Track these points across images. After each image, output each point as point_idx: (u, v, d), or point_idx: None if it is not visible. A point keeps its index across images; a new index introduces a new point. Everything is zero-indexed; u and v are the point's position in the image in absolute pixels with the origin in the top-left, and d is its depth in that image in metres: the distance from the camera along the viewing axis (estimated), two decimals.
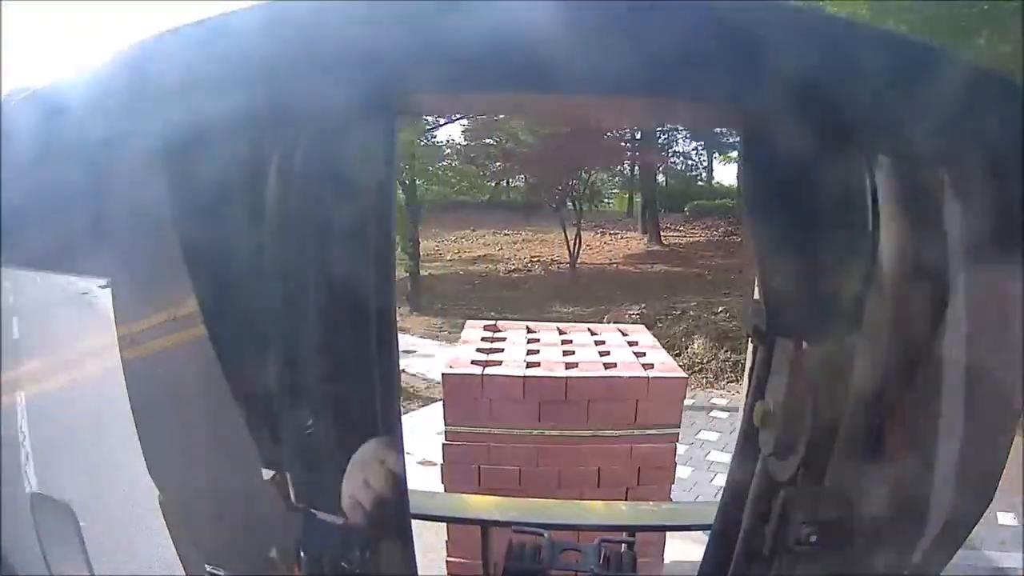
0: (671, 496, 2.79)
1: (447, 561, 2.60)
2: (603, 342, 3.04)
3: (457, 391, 2.54)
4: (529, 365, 2.63)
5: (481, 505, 1.36)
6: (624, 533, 1.32)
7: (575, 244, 12.25)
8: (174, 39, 0.67)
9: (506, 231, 15.62)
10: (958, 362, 0.73)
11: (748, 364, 0.98)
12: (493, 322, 3.27)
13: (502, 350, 2.82)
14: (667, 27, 0.62)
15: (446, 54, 0.62)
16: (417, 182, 11.89)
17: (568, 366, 2.66)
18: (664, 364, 2.74)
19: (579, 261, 12.43)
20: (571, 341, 3.01)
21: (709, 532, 1.00)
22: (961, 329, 0.71)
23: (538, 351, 2.83)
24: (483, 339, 2.99)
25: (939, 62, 0.71)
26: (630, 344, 3.00)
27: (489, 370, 2.55)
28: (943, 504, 0.76)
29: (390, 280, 0.81)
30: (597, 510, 1.39)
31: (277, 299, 0.73)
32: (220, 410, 0.77)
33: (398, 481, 0.83)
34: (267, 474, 0.79)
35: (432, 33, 0.62)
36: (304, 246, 0.72)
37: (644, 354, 2.87)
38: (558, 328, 3.28)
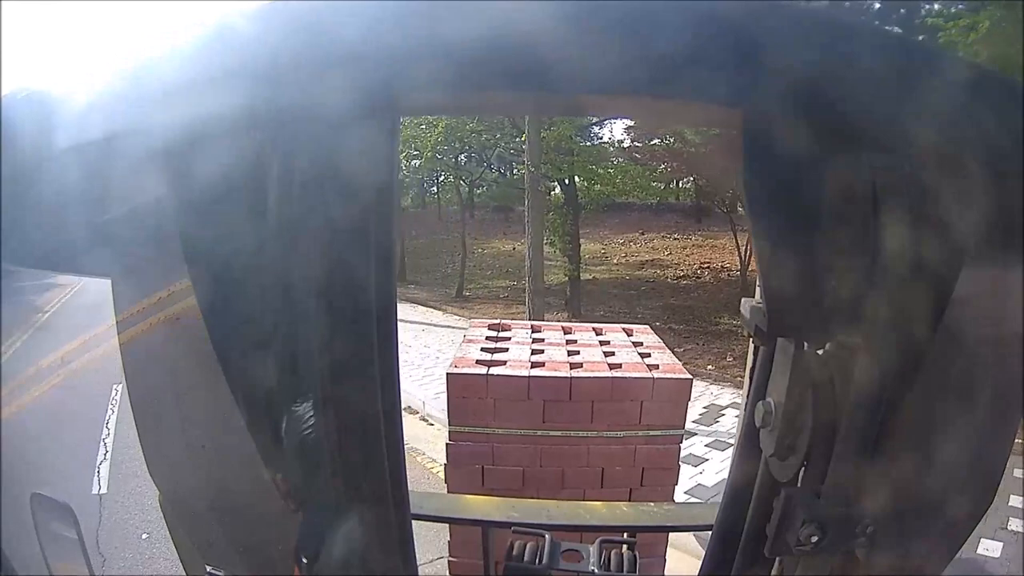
0: (674, 497, 2.78)
1: (448, 561, 2.61)
2: (608, 342, 3.03)
3: (461, 391, 2.54)
4: (534, 365, 2.63)
5: (482, 506, 1.37)
6: (625, 534, 1.32)
7: (746, 250, 11.50)
8: (176, 38, 0.68)
9: (676, 235, 15.24)
10: (959, 362, 0.73)
11: (749, 364, 0.98)
12: (498, 321, 3.27)
13: (507, 349, 2.82)
14: (667, 26, 0.62)
15: (447, 53, 0.62)
16: (577, 180, 11.37)
17: (573, 366, 2.65)
18: (669, 365, 2.73)
19: (750, 268, 11.65)
20: (576, 341, 3.01)
21: (713, 528, 1.00)
22: (962, 329, 0.71)
23: (543, 351, 2.83)
24: (488, 338, 2.99)
25: (939, 62, 0.71)
26: (635, 344, 2.99)
27: (494, 370, 2.55)
28: (944, 504, 0.76)
29: (391, 280, 0.81)
30: (598, 511, 1.39)
31: (278, 299, 0.73)
32: (220, 410, 0.77)
33: (398, 481, 0.83)
34: (267, 474, 0.79)
35: (433, 32, 0.62)
36: (306, 246, 0.71)
37: (649, 354, 2.87)
38: (563, 327, 3.27)
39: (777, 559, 0.87)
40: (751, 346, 0.96)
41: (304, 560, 0.80)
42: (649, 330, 3.33)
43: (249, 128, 0.66)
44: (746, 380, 1.02)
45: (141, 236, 0.72)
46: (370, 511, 0.82)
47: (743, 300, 0.90)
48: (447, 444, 2.62)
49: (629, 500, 2.69)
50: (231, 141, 0.67)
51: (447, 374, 2.54)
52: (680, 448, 2.72)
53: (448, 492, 2.67)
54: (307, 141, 0.67)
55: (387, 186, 0.75)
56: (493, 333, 3.06)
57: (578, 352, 2.83)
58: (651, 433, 2.65)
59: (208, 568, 0.87)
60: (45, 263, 0.84)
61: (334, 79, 0.63)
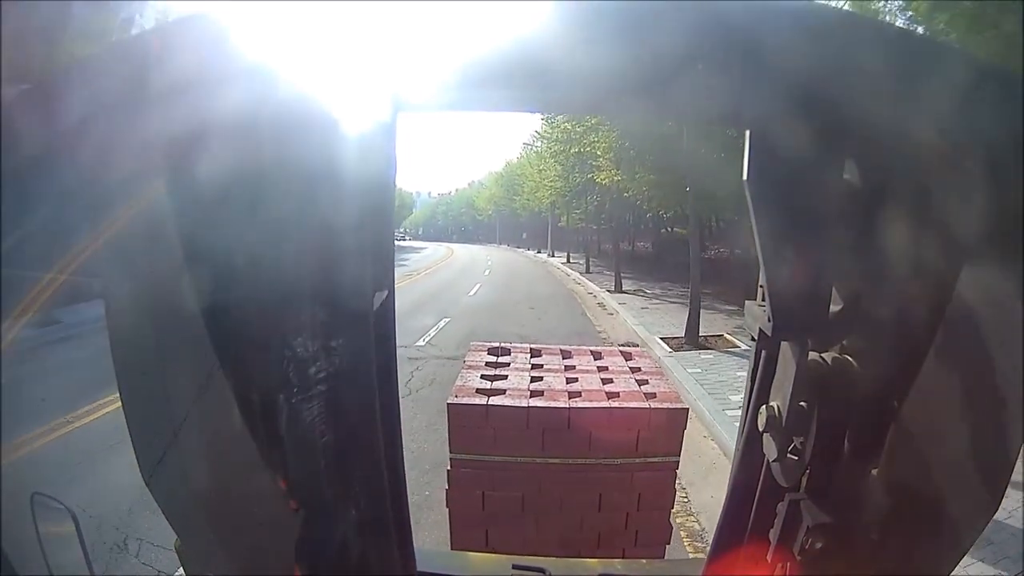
0: (671, 521, 2.84)
1: None
2: (606, 367, 3.08)
3: (462, 420, 2.59)
4: (532, 394, 2.68)
5: (481, 563, 1.41)
6: None
7: None
8: (178, 35, 0.67)
9: None
10: (963, 363, 0.72)
11: (750, 367, 0.97)
12: (497, 344, 3.31)
13: (506, 376, 2.87)
14: (669, 26, 0.63)
15: (449, 53, 0.62)
16: None
17: (571, 395, 2.70)
18: (666, 393, 2.78)
19: None
20: (575, 367, 3.05)
21: (714, 534, 0.98)
22: (967, 330, 0.70)
23: (542, 378, 2.87)
24: (487, 364, 3.04)
25: (942, 57, 0.70)
26: (632, 371, 3.03)
27: (493, 400, 2.59)
28: (950, 508, 0.75)
29: (390, 279, 0.80)
30: (594, 568, 1.44)
31: (277, 298, 0.72)
32: (219, 410, 0.76)
33: (398, 481, 0.83)
34: (267, 475, 0.78)
35: (436, 32, 0.63)
36: (305, 243, 0.70)
37: (647, 381, 2.91)
38: (561, 351, 3.32)
39: (781, 561, 0.86)
40: (753, 349, 0.94)
41: (304, 560, 0.80)
42: (647, 354, 3.38)
43: (250, 126, 0.65)
44: (747, 383, 0.98)
45: (141, 235, 0.70)
46: (369, 510, 0.82)
47: (747, 303, 0.89)
48: (448, 471, 2.67)
49: (626, 526, 2.75)
50: (231, 139, 0.66)
51: (448, 404, 2.59)
52: (676, 474, 2.77)
53: (448, 514, 2.73)
54: (307, 139, 0.67)
55: (386, 184, 0.75)
56: (492, 358, 3.10)
57: (576, 379, 2.88)
58: (648, 460, 2.70)
59: (208, 568, 0.87)
60: (43, 263, 0.81)
61: (335, 78, 0.63)
